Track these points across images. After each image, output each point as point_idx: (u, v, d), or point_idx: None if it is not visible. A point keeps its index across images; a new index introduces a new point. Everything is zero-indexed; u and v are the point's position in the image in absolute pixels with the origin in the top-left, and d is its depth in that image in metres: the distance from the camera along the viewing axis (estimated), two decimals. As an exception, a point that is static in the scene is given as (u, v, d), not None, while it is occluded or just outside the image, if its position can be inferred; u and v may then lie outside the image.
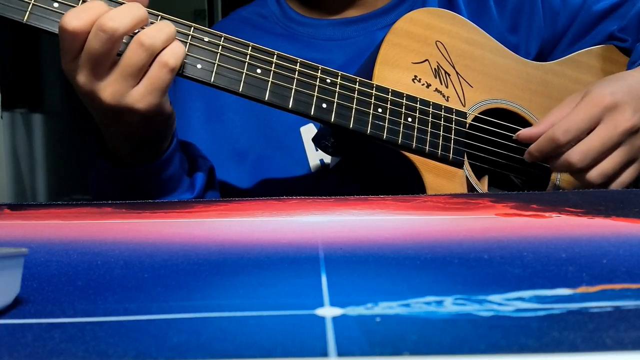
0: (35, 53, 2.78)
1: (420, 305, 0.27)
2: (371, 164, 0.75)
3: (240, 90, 0.62)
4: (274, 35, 0.86)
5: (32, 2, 0.57)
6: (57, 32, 0.57)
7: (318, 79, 0.65)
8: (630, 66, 0.80)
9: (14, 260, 0.28)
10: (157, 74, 0.58)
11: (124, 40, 0.57)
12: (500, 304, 0.27)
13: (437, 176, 0.69)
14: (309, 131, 0.81)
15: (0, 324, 0.26)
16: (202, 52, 0.61)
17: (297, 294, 0.30)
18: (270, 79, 0.63)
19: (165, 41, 0.58)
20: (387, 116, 0.67)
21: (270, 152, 0.82)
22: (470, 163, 0.72)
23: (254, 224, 0.46)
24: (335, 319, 0.26)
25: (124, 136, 0.63)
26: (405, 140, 0.67)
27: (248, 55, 0.63)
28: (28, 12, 0.57)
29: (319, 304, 0.28)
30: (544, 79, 0.80)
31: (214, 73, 0.61)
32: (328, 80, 0.65)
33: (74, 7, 0.58)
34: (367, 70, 0.71)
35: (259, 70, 0.63)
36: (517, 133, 0.71)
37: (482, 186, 0.74)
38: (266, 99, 0.62)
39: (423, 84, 0.72)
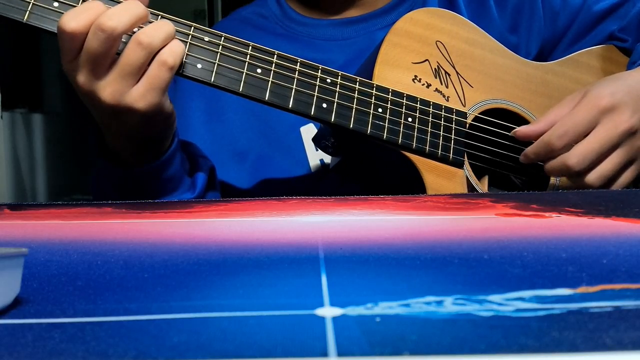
0: (35, 53, 2.78)
1: (420, 305, 0.27)
2: (371, 164, 0.75)
3: (241, 90, 0.62)
4: (274, 36, 0.86)
5: (33, 1, 0.57)
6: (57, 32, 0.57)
7: (318, 79, 0.65)
8: (630, 66, 0.80)
9: (14, 260, 0.28)
10: (156, 73, 0.58)
11: (122, 40, 0.57)
12: (500, 304, 0.27)
13: (437, 176, 0.69)
14: (309, 131, 0.81)
15: (0, 324, 0.26)
16: (203, 52, 0.61)
17: (297, 294, 0.30)
18: (271, 79, 0.63)
19: (164, 40, 0.58)
20: (388, 116, 0.67)
21: (270, 152, 0.82)
22: (470, 163, 0.72)
23: (254, 224, 0.46)
24: (335, 319, 0.26)
25: (124, 136, 0.63)
26: (406, 140, 0.67)
27: (248, 55, 0.63)
28: (28, 12, 0.57)
29: (319, 304, 0.28)
30: (544, 79, 0.80)
31: (214, 73, 0.61)
32: (328, 80, 0.65)
33: (74, 6, 0.58)
34: (367, 70, 0.71)
35: (259, 70, 0.63)
36: (514, 130, 0.71)
37: (482, 186, 0.74)
38: (266, 98, 0.62)
39: (423, 84, 0.72)
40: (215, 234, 0.43)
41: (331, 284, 0.31)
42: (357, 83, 0.67)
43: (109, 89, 0.57)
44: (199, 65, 0.61)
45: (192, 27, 0.62)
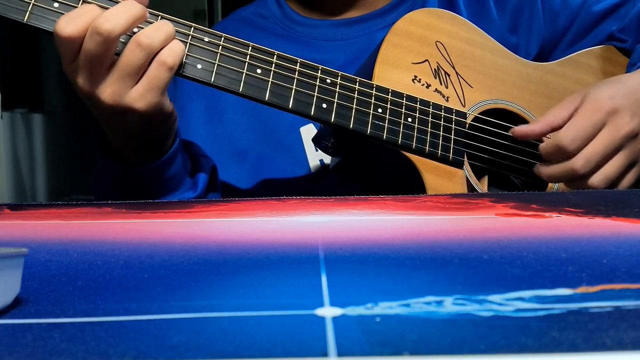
0: (35, 53, 2.78)
1: (420, 305, 0.27)
2: (371, 164, 0.75)
3: (241, 90, 0.62)
4: (274, 36, 0.86)
5: (33, 2, 0.57)
6: None
7: (318, 79, 0.65)
8: (629, 68, 0.80)
9: (14, 260, 0.28)
10: (155, 73, 0.58)
11: (122, 40, 0.57)
12: (500, 304, 0.27)
13: (437, 176, 0.69)
14: (308, 131, 0.81)
15: (0, 324, 0.26)
16: (202, 52, 0.61)
17: (297, 294, 0.30)
18: (271, 79, 0.63)
19: (164, 40, 0.58)
20: (387, 116, 0.67)
21: (270, 152, 0.82)
22: (470, 163, 0.72)
23: (254, 224, 0.46)
24: (335, 319, 0.26)
25: (125, 135, 0.63)
26: (405, 140, 0.67)
27: (248, 55, 0.63)
28: (28, 12, 0.57)
29: (319, 304, 0.28)
30: (544, 79, 0.80)
31: (214, 73, 0.61)
32: (328, 81, 0.65)
33: (74, 7, 0.58)
34: (367, 70, 0.71)
35: (259, 70, 0.63)
36: (512, 129, 0.71)
37: (482, 186, 0.74)
38: (266, 99, 0.62)
39: (423, 84, 0.72)
40: (215, 234, 0.43)
41: (331, 284, 0.31)
42: (357, 83, 0.67)
43: (108, 90, 0.57)
44: (199, 66, 0.61)
45: (192, 28, 0.62)
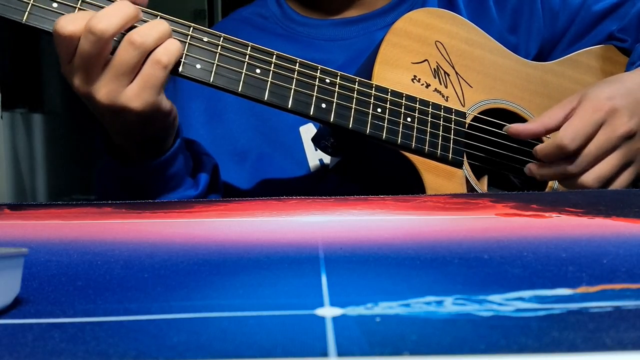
0: (35, 53, 2.78)
1: (420, 305, 0.27)
2: (371, 164, 0.75)
3: (240, 90, 0.62)
4: (274, 36, 0.86)
5: (32, 2, 0.57)
6: None
7: (317, 79, 0.65)
8: (629, 67, 0.80)
9: (14, 260, 0.28)
10: (149, 72, 0.58)
11: (116, 39, 0.57)
12: (500, 304, 0.27)
13: (437, 176, 0.69)
14: (308, 131, 0.81)
15: (0, 324, 0.26)
16: (201, 52, 0.61)
17: (297, 294, 0.30)
18: (270, 79, 0.63)
19: (158, 39, 0.58)
20: (387, 116, 0.67)
21: (270, 151, 0.82)
22: (469, 163, 0.72)
23: (254, 224, 0.46)
24: (335, 319, 0.26)
25: (125, 134, 0.63)
26: (405, 140, 0.67)
27: (247, 55, 0.63)
28: (27, 13, 0.57)
29: (319, 304, 0.28)
30: (544, 79, 0.80)
31: (213, 73, 0.61)
32: (327, 80, 0.65)
33: (73, 7, 0.58)
34: (367, 70, 0.71)
35: (258, 70, 0.63)
36: (506, 127, 0.71)
37: (482, 186, 0.74)
38: (265, 99, 0.62)
39: (422, 84, 0.72)
40: (215, 234, 0.43)
41: (331, 284, 0.31)
42: (356, 83, 0.67)
43: (104, 89, 0.58)
44: (198, 66, 0.61)
45: (191, 28, 0.62)
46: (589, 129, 0.66)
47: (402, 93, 0.69)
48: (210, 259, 0.36)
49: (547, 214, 0.47)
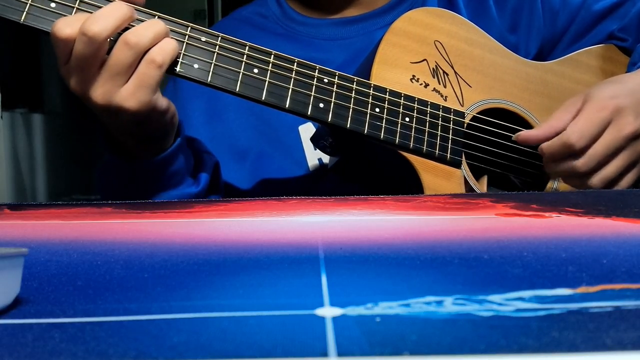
0: (35, 53, 2.78)
1: (420, 305, 0.27)
2: (369, 164, 0.75)
3: (237, 90, 0.62)
4: (274, 35, 0.86)
5: (30, 2, 0.57)
6: None
7: (315, 79, 0.65)
8: (630, 67, 0.80)
9: (14, 260, 0.28)
10: (144, 71, 0.58)
11: (112, 38, 0.58)
12: (500, 304, 0.27)
13: (435, 176, 0.69)
14: (307, 130, 0.81)
15: (0, 324, 0.26)
16: (199, 52, 0.61)
17: (297, 294, 0.30)
18: (268, 79, 0.63)
19: (153, 39, 0.58)
20: (385, 116, 0.67)
21: (270, 151, 0.82)
22: (468, 163, 0.72)
23: (254, 224, 0.46)
24: (335, 319, 0.26)
25: (124, 133, 0.64)
26: (403, 140, 0.67)
27: (245, 55, 0.63)
28: (25, 12, 0.57)
29: (319, 304, 0.28)
30: (544, 78, 0.80)
31: (210, 73, 0.61)
32: (325, 80, 0.65)
33: (71, 7, 0.58)
34: (366, 69, 0.71)
35: (256, 70, 0.63)
36: (516, 134, 0.71)
37: (481, 186, 0.74)
38: (263, 98, 0.62)
39: (421, 84, 0.72)
40: (215, 234, 0.43)
41: (331, 284, 0.31)
42: (355, 83, 0.67)
43: (99, 89, 0.58)
44: (196, 65, 0.61)
45: (189, 27, 0.62)
46: (596, 127, 0.66)
47: (401, 93, 0.69)
48: (210, 259, 0.36)
49: (547, 214, 0.47)
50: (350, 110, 0.66)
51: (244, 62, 0.62)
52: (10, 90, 2.41)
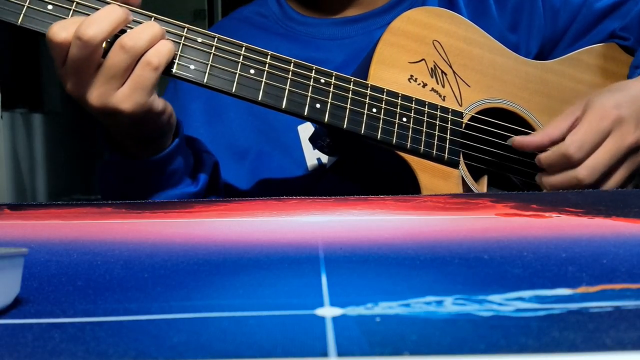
0: (35, 53, 2.78)
1: (420, 305, 0.27)
2: (367, 164, 0.75)
3: (233, 90, 0.62)
4: (274, 35, 0.86)
5: (27, 4, 0.58)
6: None
7: (312, 79, 0.65)
8: (632, 70, 0.80)
9: (14, 260, 0.28)
10: (140, 73, 0.58)
11: (109, 40, 0.58)
12: (500, 304, 0.27)
13: (433, 176, 0.69)
14: (306, 130, 0.81)
15: (0, 324, 0.26)
16: (195, 53, 0.62)
17: (297, 294, 0.30)
18: (264, 80, 0.63)
19: (149, 42, 0.58)
20: (382, 116, 0.67)
21: (269, 150, 0.82)
22: (466, 163, 0.72)
23: (254, 224, 0.46)
24: (335, 319, 0.26)
25: (122, 134, 0.64)
26: (400, 140, 0.67)
27: (241, 56, 0.63)
28: (22, 15, 0.58)
29: (319, 304, 0.28)
30: (544, 78, 0.80)
31: (207, 74, 0.61)
32: (322, 81, 0.65)
33: (68, 9, 0.59)
34: (364, 69, 0.71)
35: (252, 71, 0.63)
36: (511, 139, 0.70)
37: (481, 186, 0.74)
38: (259, 99, 0.63)
39: (419, 84, 0.72)
40: (215, 234, 0.43)
41: (331, 284, 0.31)
42: (352, 83, 0.67)
43: (95, 92, 0.58)
44: (192, 66, 0.61)
45: (186, 29, 0.62)
46: (596, 138, 0.65)
47: (398, 93, 0.68)
48: (210, 259, 0.36)
49: (547, 214, 0.47)
50: (347, 110, 0.66)
51: (240, 63, 0.63)
52: (10, 90, 2.41)
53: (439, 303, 0.28)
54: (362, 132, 0.66)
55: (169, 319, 0.26)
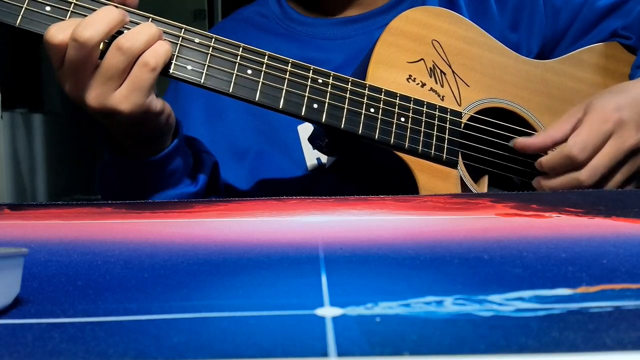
0: (35, 53, 2.78)
1: (420, 305, 0.27)
2: (365, 164, 0.75)
3: (231, 91, 0.62)
4: (274, 35, 0.86)
5: (25, 6, 0.58)
6: None
7: (309, 79, 0.65)
8: (634, 71, 0.79)
9: (14, 260, 0.28)
10: (137, 74, 0.58)
11: (107, 40, 0.58)
12: (500, 304, 0.27)
13: (431, 176, 0.69)
14: (306, 130, 0.81)
15: (0, 324, 0.26)
16: (193, 54, 0.62)
17: (297, 294, 0.30)
18: (261, 80, 0.63)
19: (146, 43, 0.58)
20: (380, 116, 0.67)
21: (269, 150, 0.82)
22: (465, 163, 0.72)
23: (254, 224, 0.46)
24: (335, 319, 0.26)
25: (121, 134, 0.65)
26: (398, 140, 0.67)
27: (239, 56, 0.63)
28: (21, 16, 0.58)
29: (319, 304, 0.28)
30: (544, 77, 0.79)
31: (204, 74, 0.61)
32: (320, 81, 0.65)
33: (66, 11, 0.59)
34: (363, 69, 0.71)
35: (249, 71, 0.63)
36: (513, 140, 0.70)
37: (482, 186, 0.74)
38: (256, 99, 0.63)
39: (418, 84, 0.72)
40: (215, 234, 0.43)
41: (331, 284, 0.31)
42: (349, 83, 0.67)
43: (93, 93, 0.59)
44: (189, 67, 0.61)
45: (183, 29, 0.62)
46: (598, 139, 0.65)
47: (396, 93, 0.68)
48: (210, 259, 0.36)
49: (547, 214, 0.47)
50: (345, 110, 0.66)
51: (237, 63, 0.63)
52: (10, 90, 2.41)
53: (439, 303, 0.28)
54: (360, 132, 0.66)
55: (169, 319, 0.26)
